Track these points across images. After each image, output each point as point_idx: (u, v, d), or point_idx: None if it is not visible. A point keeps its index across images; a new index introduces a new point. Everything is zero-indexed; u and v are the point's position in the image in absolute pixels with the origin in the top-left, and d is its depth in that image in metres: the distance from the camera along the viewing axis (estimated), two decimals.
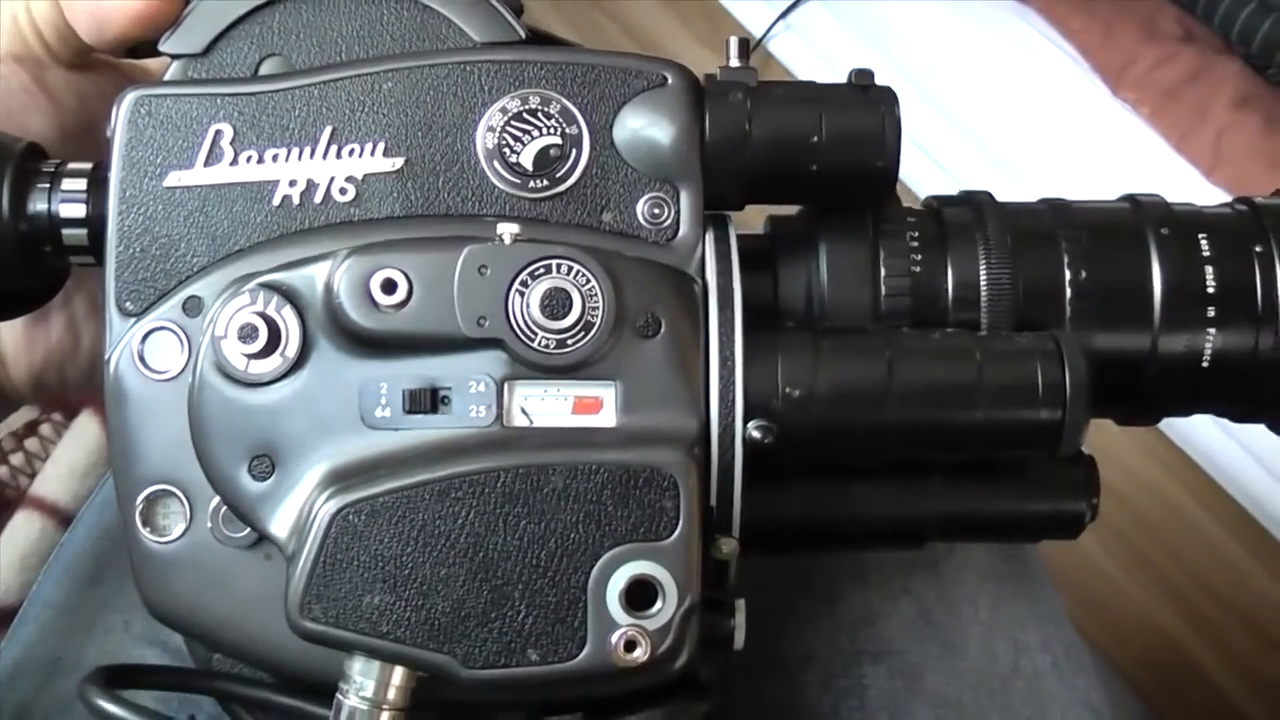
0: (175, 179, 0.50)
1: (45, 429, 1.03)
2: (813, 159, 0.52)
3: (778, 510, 0.53)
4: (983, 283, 0.55)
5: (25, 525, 0.88)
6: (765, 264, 0.54)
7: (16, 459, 1.00)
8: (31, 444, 1.03)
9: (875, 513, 0.55)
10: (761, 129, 0.52)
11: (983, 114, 1.82)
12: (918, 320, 0.54)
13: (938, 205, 0.57)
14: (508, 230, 0.49)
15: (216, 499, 0.50)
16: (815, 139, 0.52)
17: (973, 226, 0.55)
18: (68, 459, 0.91)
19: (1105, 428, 0.56)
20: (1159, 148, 1.67)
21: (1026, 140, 1.77)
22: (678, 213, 0.51)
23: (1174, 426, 1.59)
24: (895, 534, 0.56)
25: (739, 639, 0.51)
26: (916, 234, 0.55)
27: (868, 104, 0.52)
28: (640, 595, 0.47)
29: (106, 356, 0.50)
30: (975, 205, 0.56)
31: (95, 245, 0.52)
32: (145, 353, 0.50)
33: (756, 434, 0.50)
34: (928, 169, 1.85)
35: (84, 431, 0.98)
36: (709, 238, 0.51)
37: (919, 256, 0.55)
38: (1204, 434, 1.66)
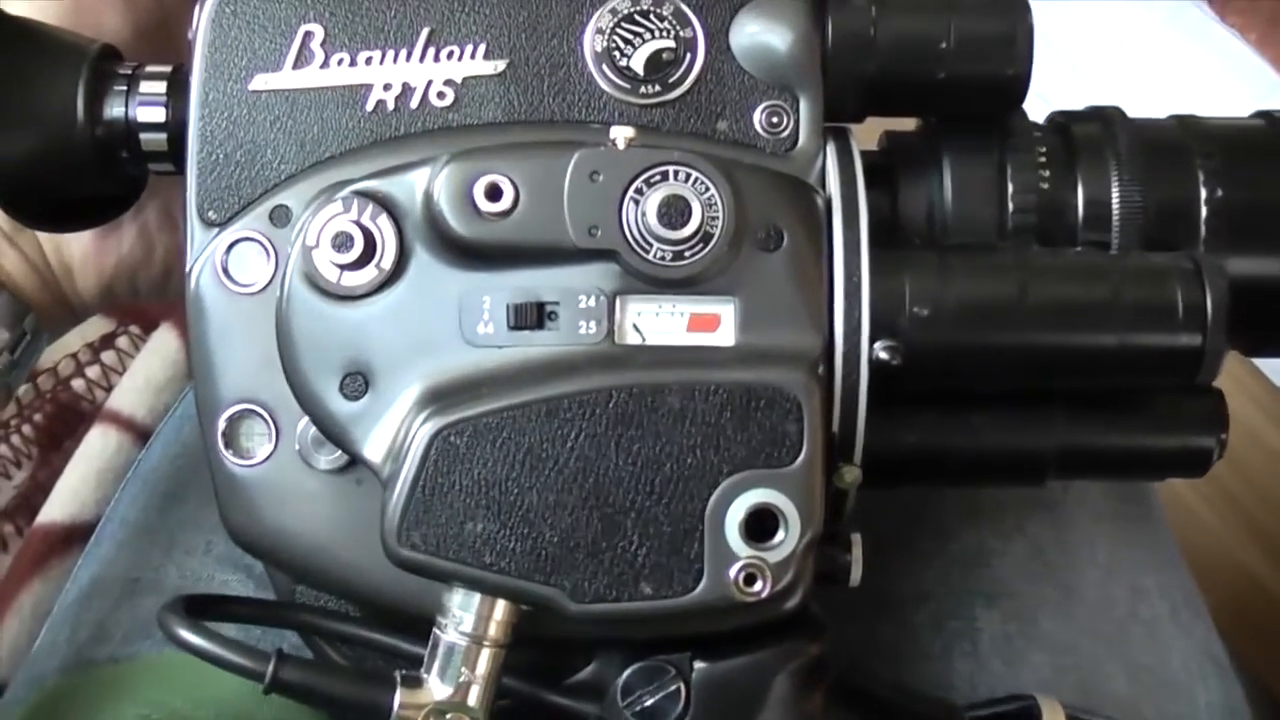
0: (262, 82, 0.49)
1: (122, 341, 1.00)
2: (940, 67, 0.50)
3: (896, 439, 0.51)
4: (1114, 201, 0.52)
5: (101, 440, 0.86)
6: (884, 179, 0.52)
7: (92, 372, 0.97)
8: (108, 357, 0.99)
9: (996, 444, 0.52)
10: (886, 34, 0.50)
11: (1079, 37, 1.76)
12: (1045, 239, 0.52)
13: (1065, 120, 0.54)
14: (621, 134, 0.46)
15: (304, 420, 0.48)
16: (943, 45, 0.49)
17: (1103, 142, 0.53)
18: (145, 372, 0.88)
19: None
20: (1265, 74, 1.62)
21: (1126, 66, 1.71)
22: (796, 122, 0.49)
23: (1275, 368, 1.54)
24: (1016, 468, 0.53)
25: (855, 575, 0.50)
26: (1044, 149, 0.53)
27: (999, 9, 0.50)
28: (760, 525, 0.45)
29: (188, 269, 0.48)
30: (1105, 120, 0.54)
31: (175, 152, 0.50)
32: (229, 264, 0.48)
33: (883, 354, 0.47)
34: None
35: (163, 344, 0.95)
36: (830, 149, 0.49)
37: (1047, 173, 0.52)
38: None
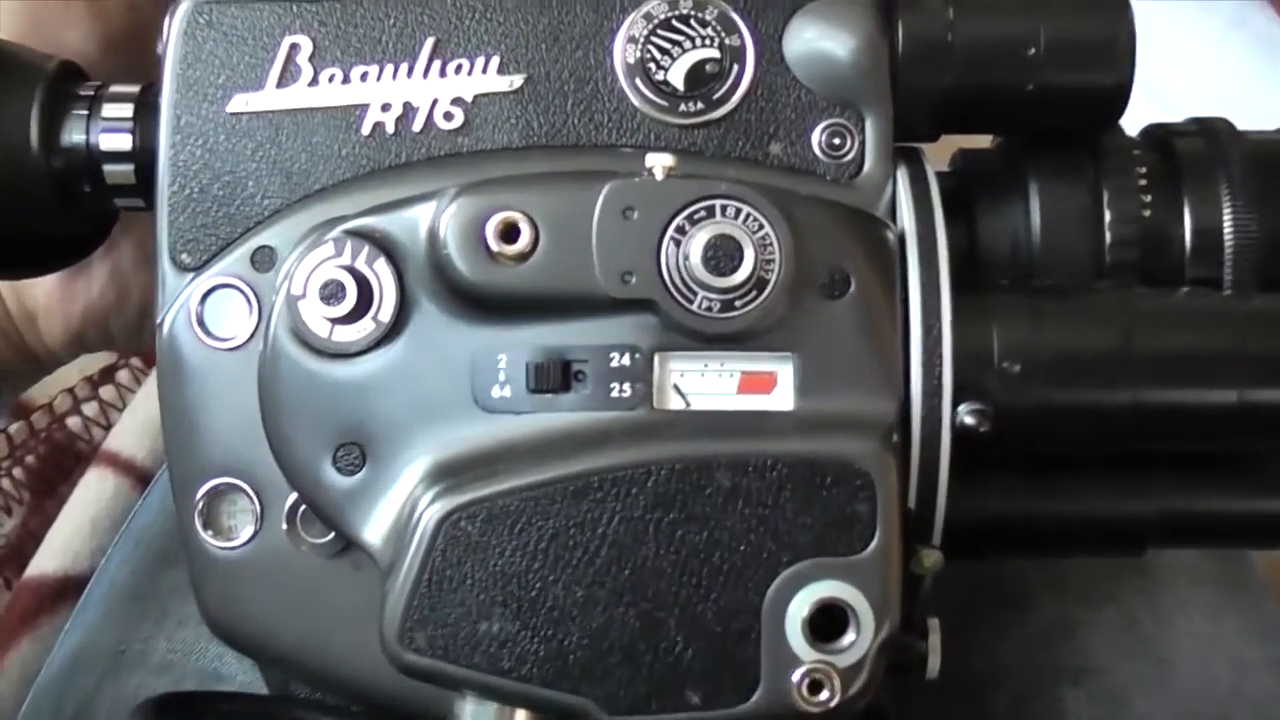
0: (241, 103, 0.45)
1: (123, 375, 0.94)
2: (1028, 77, 0.45)
3: (976, 508, 0.46)
4: (1227, 230, 0.47)
5: (98, 485, 0.82)
6: (960, 208, 0.47)
7: (90, 409, 0.92)
8: (107, 392, 0.93)
9: (1090, 511, 0.48)
10: (966, 39, 0.44)
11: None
12: (1147, 277, 0.47)
13: (1164, 135, 0.49)
14: (659, 162, 0.42)
15: (293, 496, 0.44)
16: (1032, 51, 0.44)
17: (1211, 161, 0.47)
18: (146, 409, 0.83)
19: None
20: None
21: (1187, 74, 1.63)
22: (862, 144, 0.45)
23: None
24: (1113, 537, 0.49)
25: (933, 665, 0.46)
26: (1144, 170, 0.47)
27: (1096, 8, 0.45)
28: (827, 623, 0.41)
29: (159, 319, 0.45)
30: (1211, 134, 0.48)
31: (144, 184, 0.46)
32: (205, 315, 0.45)
33: (969, 419, 0.43)
34: None
35: None
36: (901, 175, 0.45)
37: (1148, 198, 0.47)
38: None
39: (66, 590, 0.78)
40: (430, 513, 0.41)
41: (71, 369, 0.92)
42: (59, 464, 0.92)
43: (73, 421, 0.94)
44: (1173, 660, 0.64)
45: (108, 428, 0.90)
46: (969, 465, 0.44)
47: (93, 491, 0.83)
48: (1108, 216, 0.47)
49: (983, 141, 0.50)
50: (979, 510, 0.46)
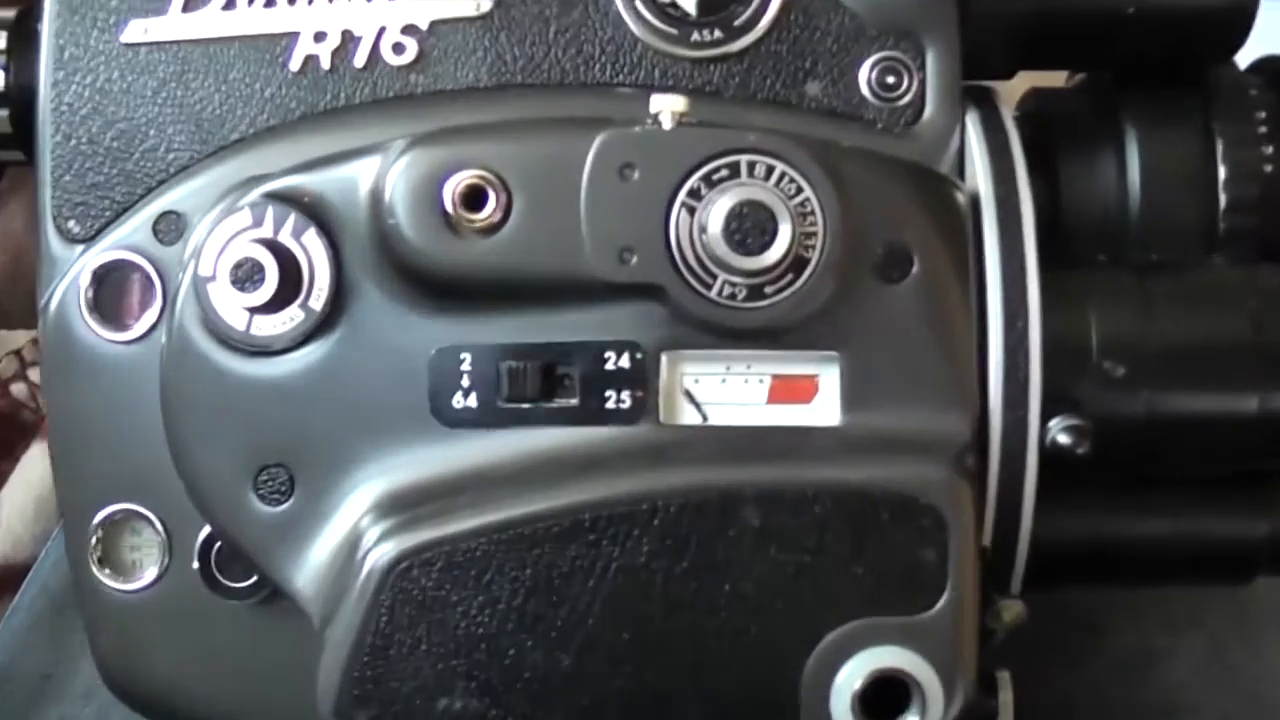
0: (140, 31, 0.41)
1: None
2: None
3: (1058, 531, 0.42)
4: None
5: (43, 461, 0.76)
6: (1037, 162, 0.42)
7: (36, 374, 0.86)
8: None
9: (1193, 535, 0.44)
10: None
11: None
12: (1269, 247, 0.43)
13: None
14: (668, 106, 0.37)
15: (207, 528, 0.41)
16: None
17: None
18: None
19: None
20: None
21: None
22: (922, 82, 0.41)
23: None
24: (1215, 564, 0.45)
25: None
26: (1264, 114, 0.43)
27: None
28: (884, 698, 0.37)
29: (42, 300, 0.42)
30: None
31: (22, 133, 0.43)
32: (98, 298, 0.41)
33: (1063, 437, 0.38)
34: None
35: None
36: (971, 121, 0.41)
37: (1270, 149, 0.42)
38: None
39: (6, 580, 0.74)
40: (376, 556, 0.37)
41: (18, 329, 0.88)
42: (1, 436, 0.84)
43: (17, 388, 0.86)
44: (1268, 695, 0.61)
45: None
46: (1055, 485, 0.40)
47: (38, 469, 0.77)
48: (1222, 173, 0.42)
49: (1055, 80, 0.48)
50: (1062, 535, 0.43)
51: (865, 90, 0.41)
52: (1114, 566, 0.45)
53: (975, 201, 0.40)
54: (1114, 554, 0.45)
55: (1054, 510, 0.41)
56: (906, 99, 0.41)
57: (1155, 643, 0.60)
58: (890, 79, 0.41)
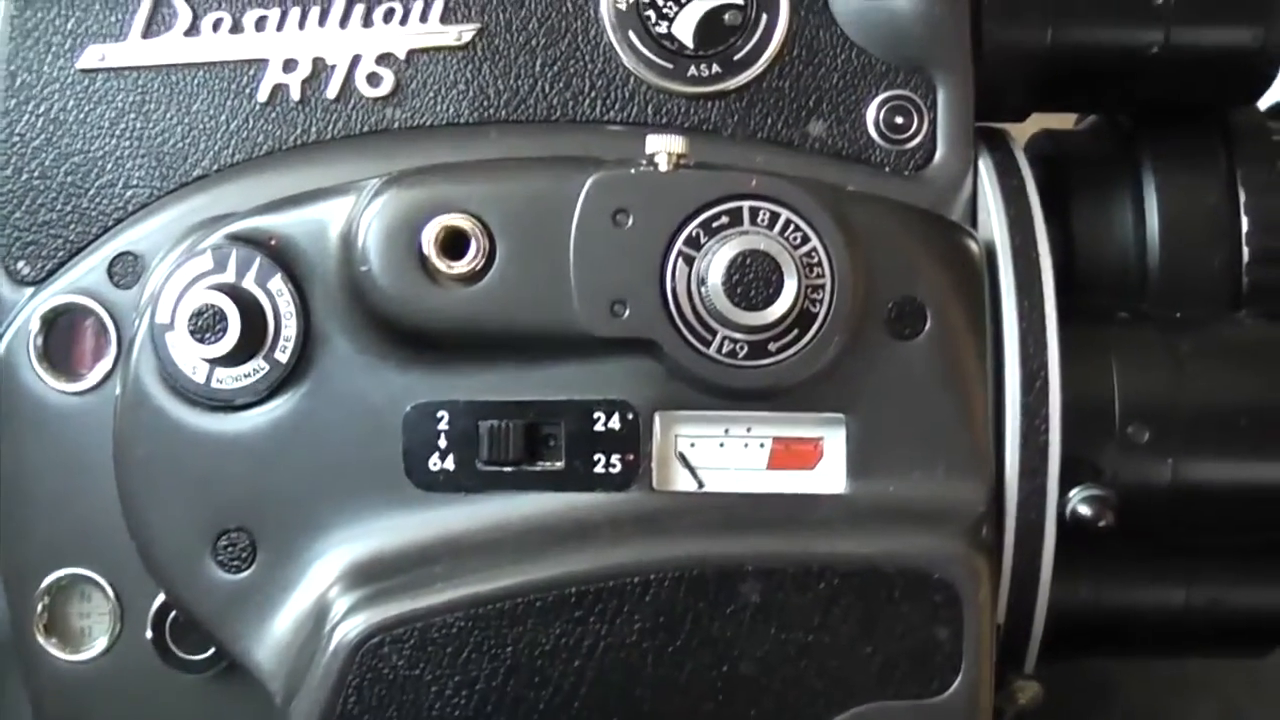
0: (97, 57, 0.40)
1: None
2: (1153, 36, 0.39)
3: (1072, 605, 0.40)
4: None
5: None
6: (1050, 208, 0.41)
7: None
8: None
9: (1215, 605, 0.42)
10: None
11: None
12: None
13: None
14: (665, 146, 0.36)
15: (161, 596, 0.39)
16: (1158, 1, 0.39)
17: None
18: None
19: None
20: None
21: None
22: (932, 122, 0.39)
23: None
24: (1239, 635, 0.43)
25: None
26: None
27: None
28: None
29: None
30: None
31: None
32: (49, 345, 0.40)
33: (1084, 509, 0.37)
34: None
35: None
36: (985, 165, 0.39)
37: None
38: None
39: None
40: (344, 630, 0.36)
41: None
42: None
43: None
44: None
45: None
46: (1072, 554, 0.38)
47: None
48: (1245, 225, 0.41)
49: (1061, 121, 0.46)
50: (1079, 606, 0.41)
51: (872, 130, 0.39)
52: (1131, 639, 0.43)
53: (990, 252, 0.38)
54: (1132, 626, 0.43)
55: (1070, 580, 0.39)
56: (916, 140, 0.39)
57: (1166, 704, 0.59)
58: (899, 119, 0.39)
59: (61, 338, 0.40)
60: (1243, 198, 0.41)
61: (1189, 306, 0.42)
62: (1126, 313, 0.41)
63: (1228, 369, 0.39)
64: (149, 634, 0.39)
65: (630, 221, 0.35)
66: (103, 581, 0.40)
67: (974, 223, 0.39)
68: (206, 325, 0.36)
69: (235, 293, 0.36)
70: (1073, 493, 0.37)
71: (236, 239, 0.37)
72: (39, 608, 0.40)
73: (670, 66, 0.39)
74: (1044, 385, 0.37)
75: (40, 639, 0.40)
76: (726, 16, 0.38)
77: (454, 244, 0.36)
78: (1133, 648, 0.45)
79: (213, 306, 0.36)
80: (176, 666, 0.40)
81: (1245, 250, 0.41)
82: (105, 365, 0.39)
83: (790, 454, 0.37)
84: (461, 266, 0.36)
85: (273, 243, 0.37)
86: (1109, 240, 0.42)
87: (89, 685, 0.40)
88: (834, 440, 0.36)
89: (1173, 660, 0.56)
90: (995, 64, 0.40)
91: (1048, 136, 0.45)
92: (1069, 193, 0.42)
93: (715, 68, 0.39)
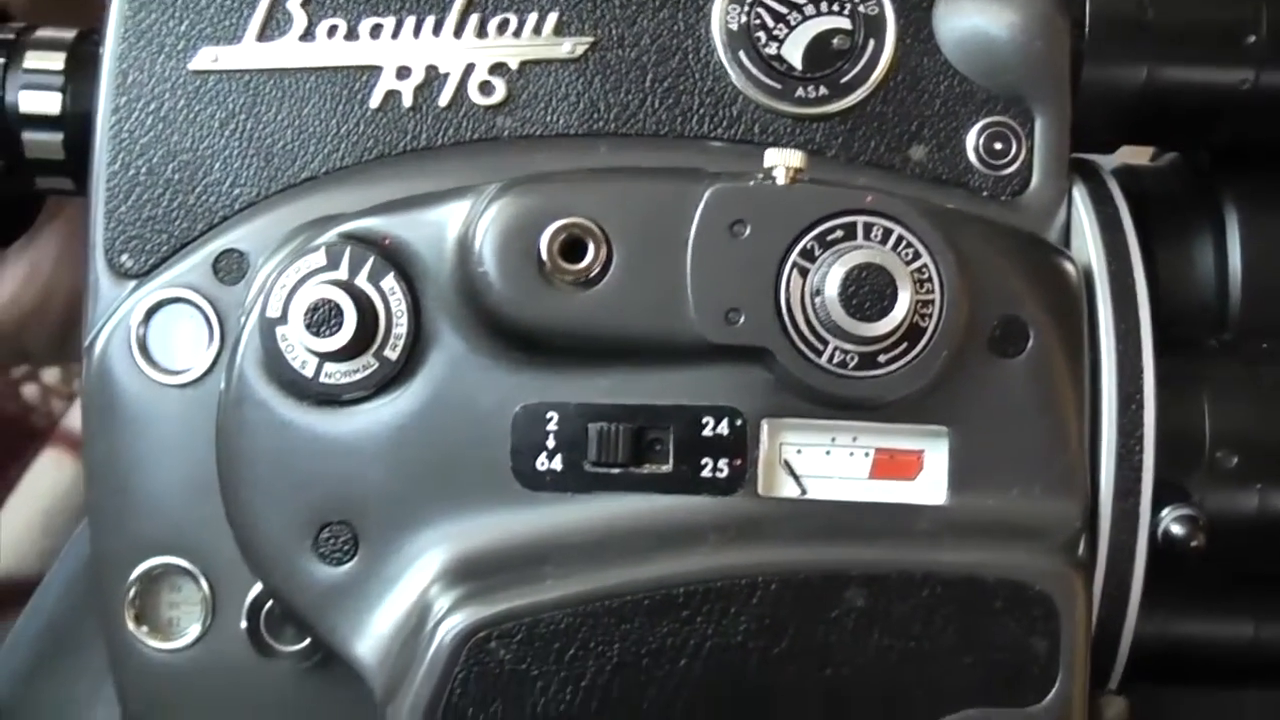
0: (209, 59, 0.40)
1: None
2: (1244, 74, 0.40)
3: (1161, 632, 0.40)
4: None
5: (54, 470, 0.75)
6: (1137, 238, 0.41)
7: (51, 375, 0.82)
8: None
9: None
10: (1169, 20, 0.40)
11: None
12: None
13: None
14: (784, 161, 0.36)
15: (258, 586, 0.39)
16: (1252, 39, 0.39)
17: None
18: None
19: None
20: None
21: None
22: (1030, 150, 0.39)
23: None
24: None
25: None
26: None
27: None
28: None
29: (88, 338, 0.40)
30: None
31: (75, 160, 0.42)
32: (150, 338, 0.40)
33: (1176, 528, 0.37)
34: None
35: None
36: (1079, 193, 0.40)
37: None
38: None
39: (11, 597, 0.70)
40: (448, 626, 0.35)
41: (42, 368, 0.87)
42: (10, 442, 0.82)
43: (29, 390, 0.83)
44: None
45: (71, 398, 0.82)
46: (1159, 578, 0.39)
47: (47, 479, 0.76)
48: None
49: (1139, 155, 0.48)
50: (1164, 632, 0.41)
51: (972, 156, 0.39)
52: (1219, 669, 0.43)
53: (1089, 276, 0.39)
54: (1220, 655, 0.43)
55: (1159, 604, 0.39)
56: (1014, 167, 0.39)
57: None
58: (998, 145, 0.39)
59: (163, 331, 0.40)
60: None
61: (1270, 339, 0.41)
62: (1215, 342, 0.41)
63: None
64: (243, 624, 0.40)
65: (747, 232, 0.35)
66: (196, 572, 0.40)
67: (1066, 248, 0.39)
68: (322, 319, 0.36)
69: (350, 289, 0.36)
70: (1164, 512, 0.37)
71: (351, 238, 0.37)
72: (130, 595, 0.40)
73: (778, 87, 0.39)
74: (1139, 407, 0.37)
75: (131, 627, 0.40)
76: (835, 41, 0.39)
77: (572, 248, 0.36)
78: (1216, 678, 0.45)
79: (329, 301, 0.36)
80: (270, 657, 0.39)
81: None
82: (206, 359, 0.39)
83: (893, 464, 0.37)
84: (578, 271, 0.36)
85: (386, 242, 0.37)
86: (1190, 274, 0.42)
87: (179, 674, 0.40)
88: (935, 453, 0.37)
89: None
90: (1090, 98, 0.40)
91: (1128, 171, 0.45)
92: (1150, 226, 0.42)
93: (822, 90, 0.39)
